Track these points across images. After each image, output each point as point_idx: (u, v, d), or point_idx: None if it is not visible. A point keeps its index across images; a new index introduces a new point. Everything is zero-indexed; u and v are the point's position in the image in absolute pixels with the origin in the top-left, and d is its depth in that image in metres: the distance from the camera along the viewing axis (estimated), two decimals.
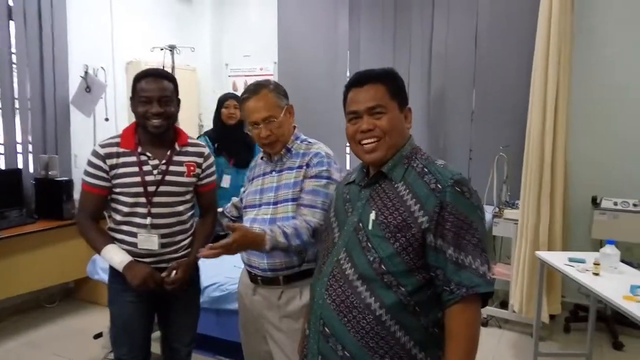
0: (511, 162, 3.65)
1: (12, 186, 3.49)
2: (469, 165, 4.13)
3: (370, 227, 1.25)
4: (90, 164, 1.83)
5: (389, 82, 1.31)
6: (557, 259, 2.73)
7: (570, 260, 2.65)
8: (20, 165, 3.65)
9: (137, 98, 1.81)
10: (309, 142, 1.84)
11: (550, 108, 3.26)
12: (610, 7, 3.56)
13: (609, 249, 2.50)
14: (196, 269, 2.03)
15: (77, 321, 3.64)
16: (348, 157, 4.36)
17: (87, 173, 1.84)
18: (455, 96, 4.15)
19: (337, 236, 1.34)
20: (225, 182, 3.15)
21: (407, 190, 1.24)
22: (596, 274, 2.43)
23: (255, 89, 1.76)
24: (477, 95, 4.08)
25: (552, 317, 3.44)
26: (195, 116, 5.12)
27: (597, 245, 3.24)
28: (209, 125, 5.30)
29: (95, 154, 1.83)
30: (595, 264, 2.45)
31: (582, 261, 2.61)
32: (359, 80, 1.32)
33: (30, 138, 3.70)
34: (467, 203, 1.21)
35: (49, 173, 3.62)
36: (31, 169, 3.72)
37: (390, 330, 1.20)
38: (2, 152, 3.57)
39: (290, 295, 1.76)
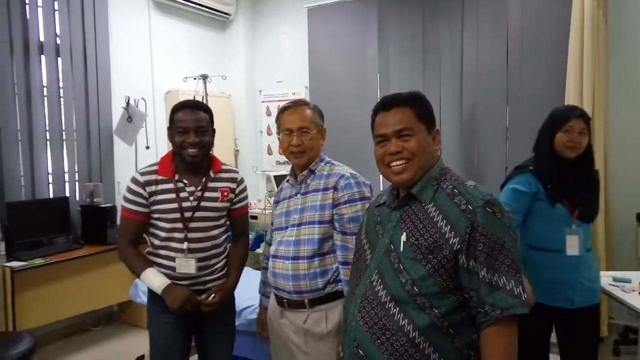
0: None
1: (60, 213, 3.65)
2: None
3: (401, 248, 1.26)
4: (130, 190, 1.91)
5: (416, 105, 1.33)
6: (602, 279, 2.63)
7: (615, 280, 2.54)
8: (67, 194, 3.82)
9: (175, 128, 1.89)
10: (332, 164, 1.88)
11: None
12: None
13: None
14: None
15: (120, 344, 3.74)
16: (381, 178, 4.36)
17: (126, 200, 1.92)
18: (488, 114, 4.10)
19: (369, 258, 1.35)
20: (571, 246, 2.02)
21: (438, 212, 1.25)
22: None
23: (296, 103, 1.88)
24: (510, 112, 4.02)
25: (600, 339, 3.29)
26: (231, 142, 5.25)
27: None
28: (245, 151, 5.51)
29: (135, 181, 1.90)
30: None
31: (627, 281, 2.49)
32: (386, 104, 1.35)
33: (76, 167, 3.88)
34: (499, 224, 1.20)
35: (94, 200, 3.76)
36: (77, 197, 3.89)
37: (424, 353, 1.19)
38: (51, 181, 3.75)
39: (315, 319, 1.77)
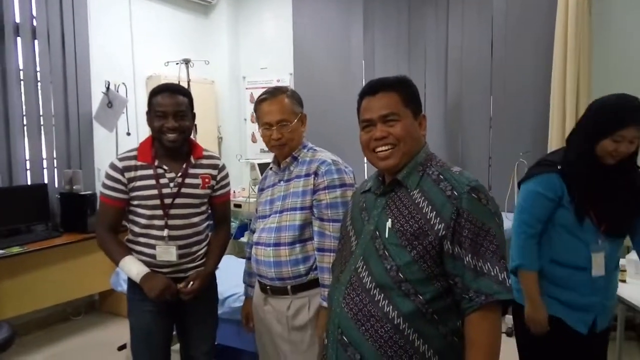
0: None
1: (38, 201, 3.57)
2: (488, 172, 4.07)
3: (386, 235, 1.25)
4: (108, 177, 1.86)
5: (402, 89, 1.31)
6: None
7: None
8: (45, 180, 3.73)
9: (153, 113, 1.85)
10: (315, 150, 1.87)
11: (571, 111, 3.21)
12: (630, 7, 3.48)
13: (634, 255, 2.43)
14: (213, 278, 2.05)
15: (102, 333, 3.69)
16: (366, 165, 4.36)
17: (105, 186, 1.87)
18: (472, 103, 4.11)
19: (354, 245, 1.34)
20: (598, 265, 1.78)
21: (423, 198, 1.23)
22: (622, 281, 2.36)
23: (273, 92, 1.82)
24: (494, 101, 4.03)
25: None
26: (214, 128, 5.18)
27: (626, 252, 3.14)
28: (229, 138, 5.44)
29: (113, 167, 1.86)
30: (621, 270, 2.38)
31: None
32: (372, 88, 1.32)
33: (54, 153, 3.79)
34: (484, 210, 1.19)
35: (73, 187, 3.69)
36: (56, 184, 3.81)
37: (408, 339, 1.18)
38: (28, 167, 3.66)
39: (298, 306, 1.77)
